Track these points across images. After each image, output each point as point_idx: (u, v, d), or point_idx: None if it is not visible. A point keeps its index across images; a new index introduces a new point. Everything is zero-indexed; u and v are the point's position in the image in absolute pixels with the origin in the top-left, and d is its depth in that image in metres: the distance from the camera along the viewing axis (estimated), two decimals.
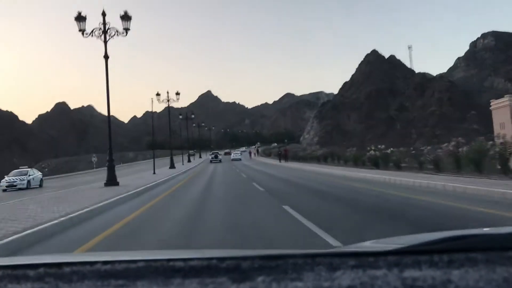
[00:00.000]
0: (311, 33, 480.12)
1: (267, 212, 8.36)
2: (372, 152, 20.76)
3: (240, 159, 61.73)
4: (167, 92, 34.98)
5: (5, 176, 24.06)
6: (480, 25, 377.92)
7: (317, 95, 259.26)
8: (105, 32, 15.87)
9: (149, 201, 11.28)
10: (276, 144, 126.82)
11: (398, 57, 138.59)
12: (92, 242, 5.58)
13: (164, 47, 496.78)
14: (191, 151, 61.41)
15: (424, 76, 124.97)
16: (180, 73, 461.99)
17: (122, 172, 37.68)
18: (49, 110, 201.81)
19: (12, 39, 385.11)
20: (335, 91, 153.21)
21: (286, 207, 8.31)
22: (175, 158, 35.43)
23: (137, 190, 13.86)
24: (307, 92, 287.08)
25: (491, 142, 13.61)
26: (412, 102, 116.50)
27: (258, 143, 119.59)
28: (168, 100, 34.87)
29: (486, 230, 0.97)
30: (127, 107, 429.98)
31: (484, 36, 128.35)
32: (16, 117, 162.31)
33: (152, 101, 28.06)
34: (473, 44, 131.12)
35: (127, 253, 1.30)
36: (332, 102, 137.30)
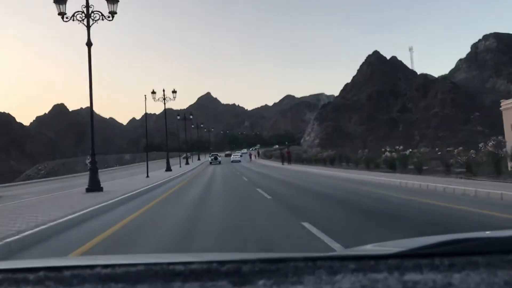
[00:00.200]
0: (311, 35, 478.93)
1: (282, 234, 6.12)
2: (387, 153, 18.67)
3: (239, 161, 61.39)
4: (163, 90, 32.97)
5: None
6: (481, 27, 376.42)
7: (318, 96, 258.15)
8: (88, 16, 13.93)
9: (129, 213, 9.10)
10: (277, 146, 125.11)
11: (399, 58, 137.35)
12: None
13: (164, 48, 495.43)
14: (187, 154, 58.49)
15: (427, 77, 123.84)
16: (179, 75, 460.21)
17: (113, 175, 35.69)
18: (47, 112, 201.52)
19: (11, 40, 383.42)
20: (336, 93, 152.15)
21: (307, 225, 6.26)
22: (173, 161, 33.77)
23: (122, 197, 11.87)
24: (307, 94, 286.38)
25: None
26: (415, 103, 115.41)
27: (258, 145, 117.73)
28: (164, 99, 32.87)
29: (487, 233, 0.97)
30: (126, 109, 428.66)
31: (485, 37, 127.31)
32: (13, 119, 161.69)
33: (145, 98, 25.87)
34: (475, 46, 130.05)
35: (127, 256, 1.22)
36: (333, 103, 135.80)
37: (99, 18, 14.12)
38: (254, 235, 5.98)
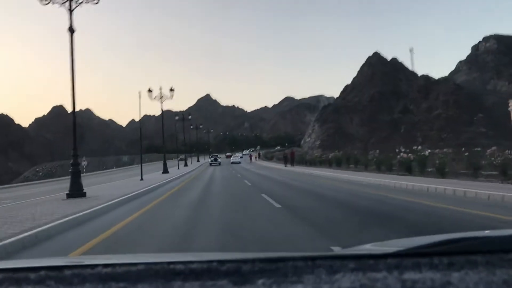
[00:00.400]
0: (311, 37, 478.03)
1: None
2: (403, 154, 16.88)
3: (239, 162, 61.15)
4: (160, 89, 31.28)
5: None
6: (481, 29, 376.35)
7: (318, 98, 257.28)
8: None
9: (110, 226, 7.44)
10: (279, 147, 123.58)
11: (399, 60, 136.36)
12: None
13: (163, 49, 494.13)
14: (182, 156, 56.11)
15: (428, 78, 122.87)
16: (179, 76, 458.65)
17: (108, 178, 34.08)
18: (46, 113, 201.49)
19: (10, 40, 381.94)
20: (336, 95, 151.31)
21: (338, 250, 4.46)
22: (173, 162, 32.13)
23: (106, 204, 10.20)
24: (307, 95, 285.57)
25: None
26: (417, 104, 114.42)
27: (258, 146, 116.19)
28: (161, 97, 31.20)
29: (486, 232, 0.97)
30: (125, 110, 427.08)
31: (486, 39, 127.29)
32: (11, 120, 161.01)
33: (140, 95, 24.10)
34: (475, 48, 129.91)
35: (127, 256, 1.25)
36: (333, 105, 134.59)
37: (82, 1, 12.46)
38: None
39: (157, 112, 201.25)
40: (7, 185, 44.98)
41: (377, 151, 21.00)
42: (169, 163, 34.14)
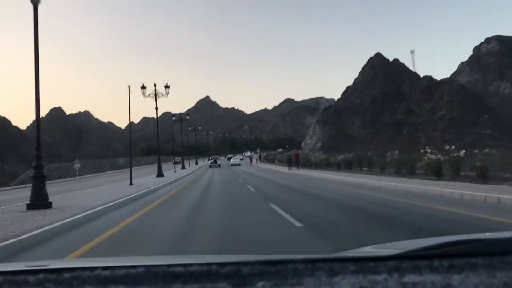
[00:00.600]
0: (311, 39, 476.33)
1: None
2: (431, 155, 14.45)
3: (239, 164, 60.60)
4: (155, 85, 28.91)
5: None
6: (483, 30, 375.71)
7: (318, 100, 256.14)
8: None
9: (54, 255, 5.40)
10: (281, 149, 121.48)
11: (401, 61, 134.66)
12: None
13: (162, 52, 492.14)
14: (177, 158, 52.52)
15: (431, 79, 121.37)
16: (178, 78, 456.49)
17: (95, 182, 31.59)
18: (44, 115, 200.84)
19: (7, 42, 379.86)
20: (336, 97, 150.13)
21: None
22: (170, 165, 29.88)
23: (68, 220, 7.86)
24: (307, 97, 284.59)
25: None
26: (420, 106, 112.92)
27: (259, 149, 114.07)
28: (155, 94, 28.85)
29: (486, 235, 0.97)
30: (124, 112, 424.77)
31: (487, 40, 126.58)
32: (9, 122, 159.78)
33: (129, 89, 21.60)
34: (477, 49, 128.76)
35: (127, 258, 1.20)
36: (335, 106, 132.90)
37: None
38: None
39: (158, 114, 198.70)
40: None
41: (396, 152, 18.47)
42: (167, 165, 31.77)
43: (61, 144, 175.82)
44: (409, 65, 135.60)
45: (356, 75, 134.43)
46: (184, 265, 0.74)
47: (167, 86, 29.60)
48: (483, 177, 11.98)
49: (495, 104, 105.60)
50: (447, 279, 0.69)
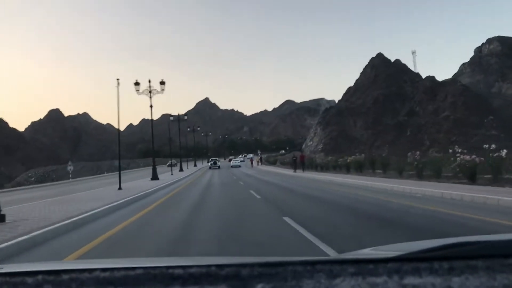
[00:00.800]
0: (311, 40, 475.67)
1: None
2: (464, 157, 12.36)
3: (239, 166, 60.62)
4: (149, 81, 26.90)
5: None
6: (484, 31, 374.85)
7: (318, 101, 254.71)
8: None
9: None
10: (283, 151, 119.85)
11: (402, 62, 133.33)
12: None
13: (162, 53, 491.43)
14: (173, 160, 50.90)
15: (434, 80, 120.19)
16: (178, 80, 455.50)
17: (85, 186, 29.80)
18: (42, 117, 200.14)
19: (6, 42, 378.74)
20: (337, 98, 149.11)
21: None
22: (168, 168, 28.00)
23: (17, 240, 5.78)
24: (307, 99, 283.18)
25: None
26: (423, 107, 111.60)
27: (259, 151, 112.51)
28: (150, 91, 26.87)
29: (486, 237, 0.97)
30: (124, 114, 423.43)
31: (489, 41, 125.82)
32: (6, 124, 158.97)
33: (118, 83, 19.66)
34: (478, 50, 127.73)
35: (126, 260, 1.21)
36: (336, 107, 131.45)
37: None
38: None
39: (156, 116, 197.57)
40: None
41: (418, 152, 16.47)
42: (164, 168, 29.79)
43: (59, 146, 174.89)
44: (410, 66, 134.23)
45: (357, 76, 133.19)
46: (183, 267, 0.74)
47: (162, 83, 27.68)
48: None
49: (498, 105, 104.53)
50: (447, 281, 0.69)
